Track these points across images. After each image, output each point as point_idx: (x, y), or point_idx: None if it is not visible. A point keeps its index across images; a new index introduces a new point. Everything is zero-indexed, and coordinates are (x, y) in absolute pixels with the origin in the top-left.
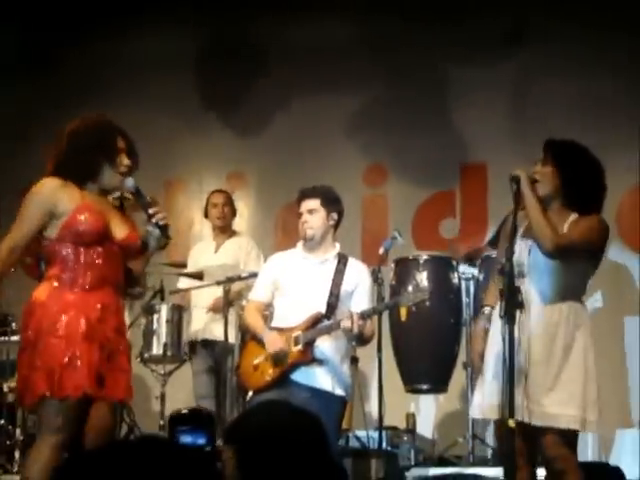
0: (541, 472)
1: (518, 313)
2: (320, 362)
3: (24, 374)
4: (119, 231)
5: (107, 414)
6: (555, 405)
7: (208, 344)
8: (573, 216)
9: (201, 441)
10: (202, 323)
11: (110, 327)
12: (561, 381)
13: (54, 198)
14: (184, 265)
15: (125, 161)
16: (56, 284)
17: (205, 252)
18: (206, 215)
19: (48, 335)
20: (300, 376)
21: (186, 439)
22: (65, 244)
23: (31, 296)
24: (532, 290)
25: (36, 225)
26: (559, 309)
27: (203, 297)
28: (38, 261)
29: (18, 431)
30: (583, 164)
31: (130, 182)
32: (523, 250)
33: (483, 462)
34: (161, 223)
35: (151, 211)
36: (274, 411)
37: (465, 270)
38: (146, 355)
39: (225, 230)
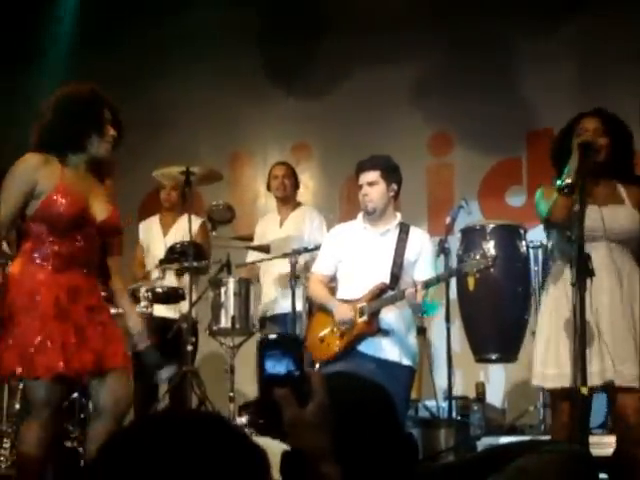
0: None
1: (588, 281)
2: (386, 333)
3: None
4: (100, 212)
5: (124, 383)
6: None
7: (278, 318)
8: (619, 185)
9: (290, 366)
10: (271, 298)
11: (83, 306)
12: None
13: (35, 176)
14: (250, 238)
15: (111, 131)
16: (28, 261)
17: (270, 226)
18: (269, 187)
19: (21, 314)
20: (366, 347)
21: (275, 364)
22: (39, 224)
23: (8, 271)
24: (607, 254)
25: (20, 202)
26: (634, 272)
27: (271, 271)
28: (18, 236)
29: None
30: (630, 137)
31: None
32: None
33: None
34: None
35: None
36: (341, 383)
37: (533, 238)
38: (214, 328)
39: (287, 202)
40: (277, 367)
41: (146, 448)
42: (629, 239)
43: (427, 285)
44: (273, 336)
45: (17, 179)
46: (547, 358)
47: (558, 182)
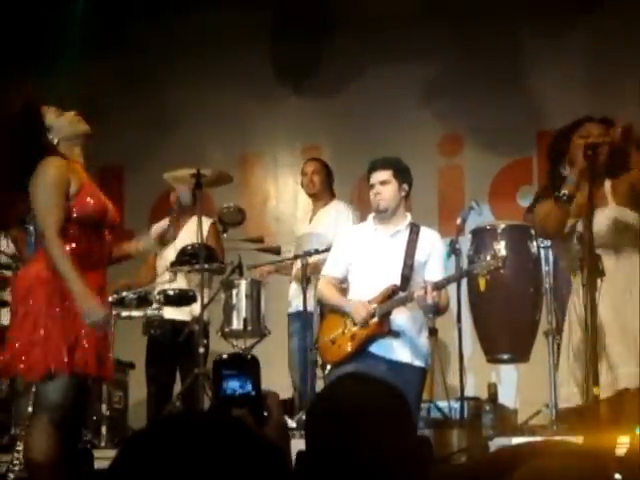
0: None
1: (599, 281)
2: (397, 334)
3: (24, 347)
4: (110, 209)
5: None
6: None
7: (297, 315)
8: (607, 182)
9: (247, 386)
10: (292, 295)
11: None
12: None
13: (70, 177)
14: (261, 240)
15: (71, 112)
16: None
17: (302, 222)
18: (302, 184)
19: (55, 313)
20: (378, 349)
21: (232, 384)
22: (69, 224)
23: (30, 269)
24: (609, 258)
25: (64, 203)
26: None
27: (293, 269)
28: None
29: (104, 407)
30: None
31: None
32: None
33: (567, 431)
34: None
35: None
36: (354, 385)
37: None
38: (226, 330)
39: (319, 198)
40: (235, 387)
41: (163, 451)
42: (616, 241)
43: (437, 286)
44: (230, 356)
45: (58, 183)
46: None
47: (556, 192)
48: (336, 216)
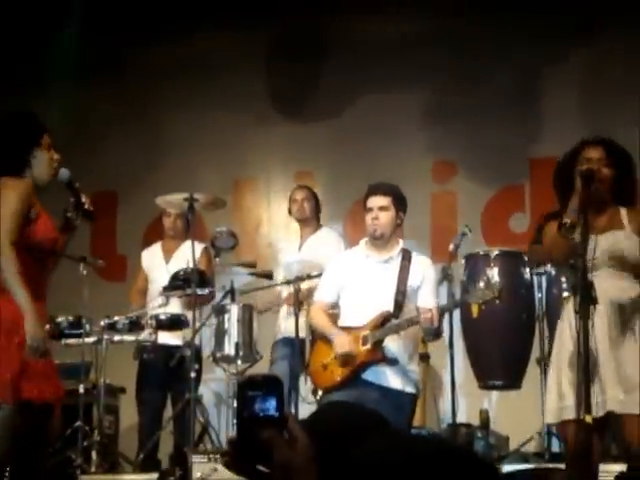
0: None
1: (592, 309)
2: (389, 361)
3: None
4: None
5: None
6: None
7: (286, 341)
8: (623, 209)
9: (271, 407)
10: (281, 321)
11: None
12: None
13: (34, 199)
14: (254, 265)
15: (55, 155)
16: (5, 290)
17: (290, 249)
18: (289, 211)
19: (4, 341)
20: (370, 375)
21: (256, 405)
22: (22, 250)
23: None
24: (602, 283)
25: (24, 219)
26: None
27: (283, 296)
28: None
29: (95, 432)
30: (634, 167)
31: (65, 173)
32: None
33: (559, 458)
34: (91, 209)
35: (83, 199)
36: (333, 413)
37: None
38: (218, 355)
39: (308, 225)
40: (260, 408)
41: None
42: (630, 265)
43: (443, 311)
44: (254, 376)
45: (21, 198)
46: (554, 391)
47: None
48: (328, 243)
